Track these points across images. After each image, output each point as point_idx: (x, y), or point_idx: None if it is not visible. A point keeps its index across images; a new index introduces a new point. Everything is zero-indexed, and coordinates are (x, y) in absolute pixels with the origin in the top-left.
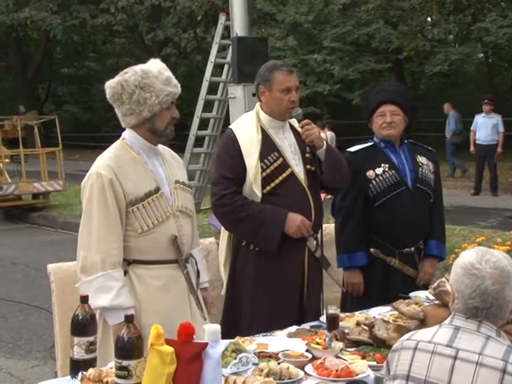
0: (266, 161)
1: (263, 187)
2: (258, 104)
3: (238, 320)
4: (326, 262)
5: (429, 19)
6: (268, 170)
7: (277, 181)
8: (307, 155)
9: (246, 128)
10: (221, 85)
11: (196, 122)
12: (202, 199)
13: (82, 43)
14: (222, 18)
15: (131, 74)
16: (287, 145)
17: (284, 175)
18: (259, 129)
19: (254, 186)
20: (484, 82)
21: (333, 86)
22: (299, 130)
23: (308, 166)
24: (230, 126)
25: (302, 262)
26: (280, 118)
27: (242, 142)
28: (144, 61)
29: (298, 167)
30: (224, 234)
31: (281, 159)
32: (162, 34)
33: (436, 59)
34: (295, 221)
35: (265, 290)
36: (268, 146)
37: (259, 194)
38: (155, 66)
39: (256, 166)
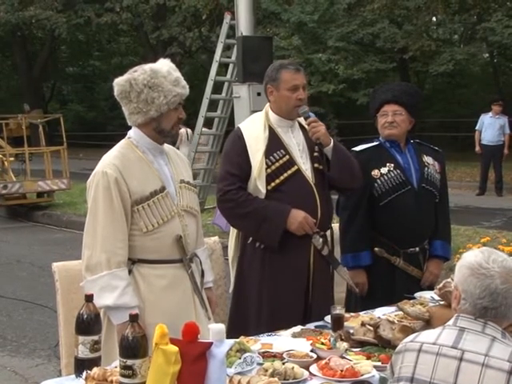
0: (271, 157)
1: (268, 183)
2: (267, 104)
3: (245, 318)
4: (334, 261)
5: (434, 19)
6: (273, 167)
7: (282, 177)
8: (315, 154)
9: (254, 126)
10: (226, 84)
11: (201, 121)
12: (206, 198)
13: (86, 42)
14: (227, 17)
15: (140, 72)
16: (295, 143)
17: (289, 172)
18: (267, 127)
19: (258, 181)
20: (489, 82)
21: (337, 86)
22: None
23: (316, 165)
24: (238, 125)
25: (308, 260)
26: (288, 117)
27: (247, 139)
28: (149, 60)
29: (305, 165)
30: (233, 232)
31: (287, 156)
32: (166, 33)
33: (441, 59)
34: (297, 217)
35: (271, 288)
36: (275, 144)
37: (263, 191)
38: (165, 66)
39: (261, 162)
